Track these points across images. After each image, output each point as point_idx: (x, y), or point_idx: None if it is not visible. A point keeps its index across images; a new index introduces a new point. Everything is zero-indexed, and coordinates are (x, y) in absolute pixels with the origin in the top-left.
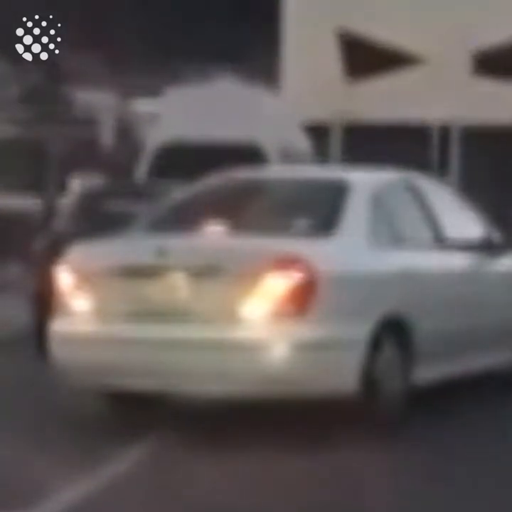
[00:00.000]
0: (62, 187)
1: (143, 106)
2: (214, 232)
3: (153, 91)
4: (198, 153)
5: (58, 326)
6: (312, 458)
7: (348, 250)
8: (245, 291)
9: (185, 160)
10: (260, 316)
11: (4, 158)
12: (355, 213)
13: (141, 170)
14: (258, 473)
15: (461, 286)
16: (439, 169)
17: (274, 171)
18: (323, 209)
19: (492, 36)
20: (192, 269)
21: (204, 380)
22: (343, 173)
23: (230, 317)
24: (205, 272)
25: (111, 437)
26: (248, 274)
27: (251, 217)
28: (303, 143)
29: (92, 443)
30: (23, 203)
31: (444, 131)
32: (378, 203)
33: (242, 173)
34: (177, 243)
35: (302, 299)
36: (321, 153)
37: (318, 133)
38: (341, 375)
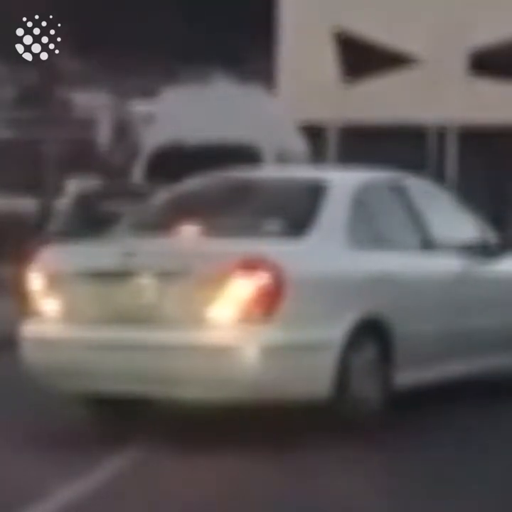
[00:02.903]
0: (59, 188)
1: (140, 107)
2: (186, 233)
3: (150, 92)
4: (195, 154)
5: (29, 329)
6: (283, 465)
7: (322, 251)
8: (212, 293)
9: (182, 161)
10: (227, 319)
11: (1, 159)
12: (333, 213)
13: (138, 171)
14: (235, 479)
15: (448, 289)
16: (436, 170)
17: (256, 172)
18: (299, 209)
19: (488, 36)
20: (158, 271)
21: (171, 385)
22: (323, 173)
23: (197, 320)
24: (171, 274)
25: (93, 444)
26: (214, 276)
27: (227, 218)
28: (300, 144)
29: (72, 451)
30: (20, 203)
31: (441, 132)
32: (359, 203)
33: (224, 174)
34: (145, 246)
35: (270, 301)
36: (317, 154)
37: (314, 134)
38: (313, 379)
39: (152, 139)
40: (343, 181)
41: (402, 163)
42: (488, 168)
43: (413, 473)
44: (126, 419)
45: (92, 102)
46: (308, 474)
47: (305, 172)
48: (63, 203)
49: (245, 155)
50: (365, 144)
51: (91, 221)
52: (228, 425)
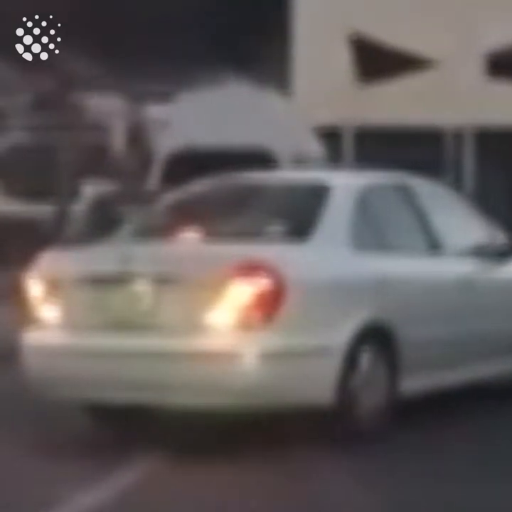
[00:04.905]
0: (74, 194)
1: (154, 112)
2: (186, 238)
3: (164, 97)
4: (210, 159)
5: (29, 337)
6: (282, 476)
7: (323, 255)
8: (209, 299)
9: (196, 165)
10: (226, 325)
11: (16, 165)
12: (335, 216)
13: (153, 176)
14: (235, 487)
15: (455, 293)
16: (454, 171)
17: (260, 174)
18: (301, 213)
19: (504, 37)
20: (155, 277)
21: (170, 392)
22: (326, 175)
23: (196, 326)
24: (168, 279)
25: (96, 453)
26: (212, 282)
27: (228, 221)
28: (315, 147)
29: (77, 460)
30: (35, 209)
31: (458, 133)
32: (363, 205)
33: (227, 176)
34: (142, 250)
35: (269, 307)
36: (333, 156)
37: (330, 137)
38: (314, 386)
39: (167, 144)
40: (346, 183)
41: (419, 165)
42: (505, 169)
43: (414, 475)
44: (127, 426)
45: (106, 107)
46: (309, 481)
47: (308, 174)
48: (79, 209)
49: (260, 158)
50: (380, 146)
51: (107, 226)
52: (228, 433)
